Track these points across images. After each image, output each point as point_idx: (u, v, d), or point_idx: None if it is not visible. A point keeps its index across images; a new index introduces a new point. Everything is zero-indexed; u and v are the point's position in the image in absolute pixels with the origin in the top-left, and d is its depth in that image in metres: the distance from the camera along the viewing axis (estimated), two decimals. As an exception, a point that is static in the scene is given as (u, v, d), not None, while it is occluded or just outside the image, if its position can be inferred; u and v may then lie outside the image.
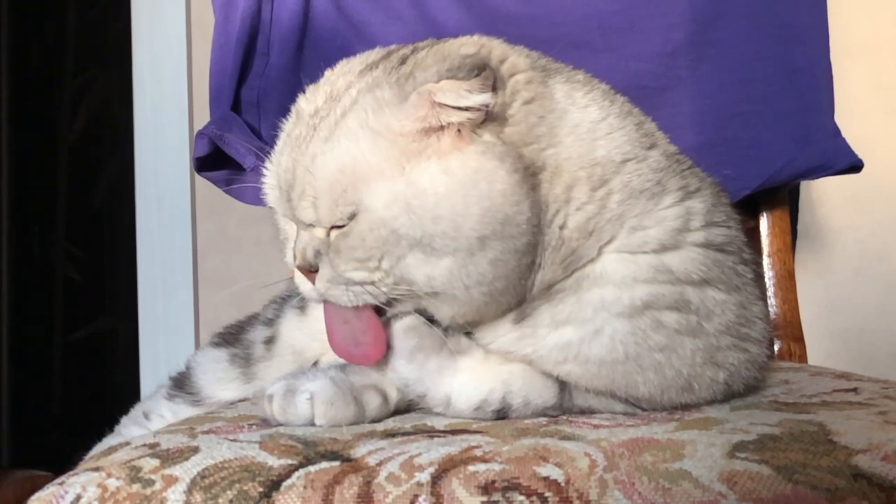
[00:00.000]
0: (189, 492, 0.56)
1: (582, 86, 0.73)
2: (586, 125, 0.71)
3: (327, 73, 0.76)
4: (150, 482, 0.57)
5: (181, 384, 0.99)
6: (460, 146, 0.66)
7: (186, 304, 1.79)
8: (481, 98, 0.65)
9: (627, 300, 0.69)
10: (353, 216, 0.67)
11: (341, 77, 0.73)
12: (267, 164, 0.75)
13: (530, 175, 0.67)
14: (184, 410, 0.97)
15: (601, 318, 0.69)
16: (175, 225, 1.79)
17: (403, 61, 0.71)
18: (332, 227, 0.69)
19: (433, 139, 0.66)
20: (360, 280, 0.68)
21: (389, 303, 0.70)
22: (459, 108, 0.65)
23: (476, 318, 0.72)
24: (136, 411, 1.03)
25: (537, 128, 0.69)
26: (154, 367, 1.79)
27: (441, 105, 0.65)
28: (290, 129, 0.73)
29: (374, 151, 0.66)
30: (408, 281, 0.68)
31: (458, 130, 0.66)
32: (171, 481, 0.57)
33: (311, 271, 0.71)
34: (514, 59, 0.71)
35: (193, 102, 1.80)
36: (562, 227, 0.69)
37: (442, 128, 0.66)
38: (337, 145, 0.68)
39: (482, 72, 0.65)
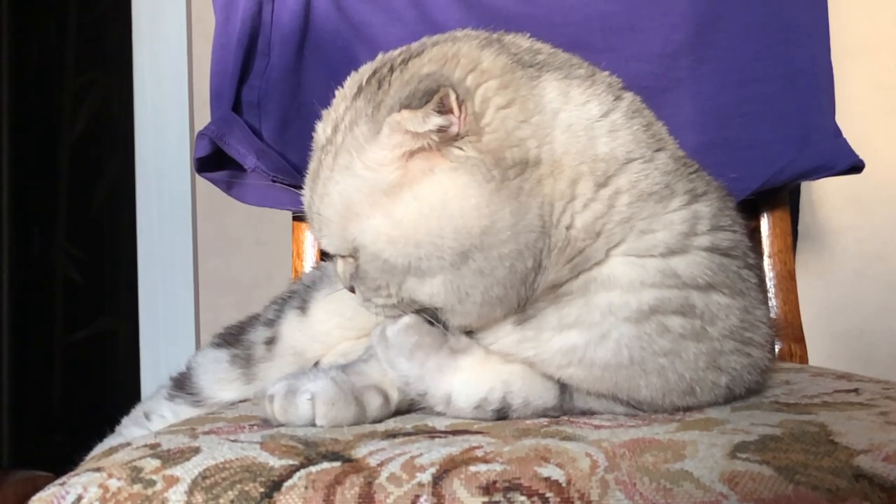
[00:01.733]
0: (190, 492, 0.56)
1: (582, 81, 0.72)
2: (583, 122, 0.70)
3: (338, 93, 0.76)
4: (152, 482, 0.57)
5: (182, 385, 0.99)
6: (434, 167, 0.67)
7: (187, 304, 1.79)
8: (438, 121, 0.65)
9: (635, 305, 0.69)
10: (356, 251, 0.70)
11: (342, 102, 0.74)
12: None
13: (519, 173, 0.67)
14: (185, 411, 0.97)
15: (608, 322, 0.69)
16: (175, 225, 1.79)
17: (380, 84, 0.71)
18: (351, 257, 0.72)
19: (416, 161, 0.67)
20: (383, 304, 0.72)
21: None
22: (426, 132, 0.66)
23: (480, 324, 0.73)
24: (136, 412, 1.03)
25: (519, 130, 0.68)
26: (154, 368, 1.80)
27: (408, 131, 0.66)
28: (311, 159, 0.76)
29: (357, 191, 0.69)
30: (417, 301, 0.71)
31: (439, 149, 0.67)
32: (172, 482, 0.57)
33: (353, 291, 0.75)
34: (485, 64, 0.70)
35: (194, 103, 1.80)
36: (568, 227, 0.69)
37: (422, 149, 0.67)
38: (333, 188, 0.71)
39: (433, 96, 0.65)
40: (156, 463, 0.59)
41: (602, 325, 0.69)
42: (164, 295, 1.79)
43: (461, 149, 0.66)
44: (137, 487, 0.57)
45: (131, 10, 1.82)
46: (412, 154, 0.67)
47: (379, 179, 0.68)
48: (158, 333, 1.80)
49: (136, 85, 1.81)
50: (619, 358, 0.69)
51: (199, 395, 0.97)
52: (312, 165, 0.74)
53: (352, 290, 0.75)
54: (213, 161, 1.21)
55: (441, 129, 0.66)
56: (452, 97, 0.65)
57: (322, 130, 0.75)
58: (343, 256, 0.74)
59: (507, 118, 0.68)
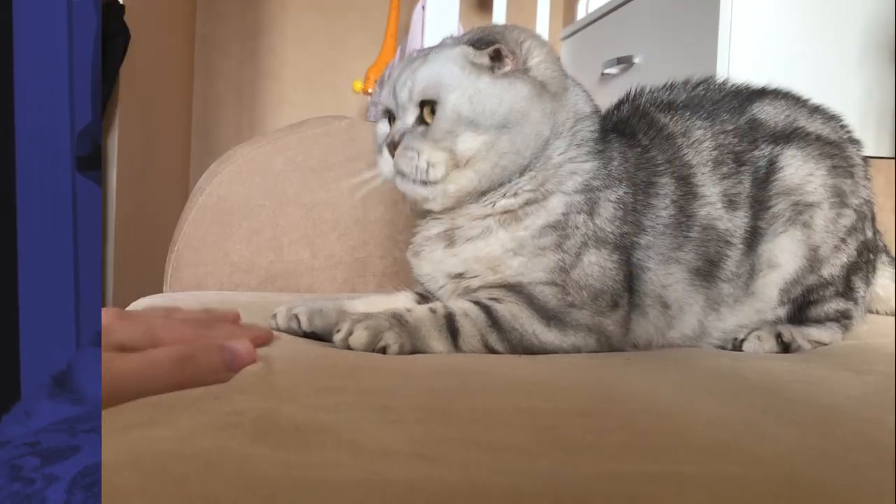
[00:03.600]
0: (69, 490, 0.57)
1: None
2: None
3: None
4: (31, 481, 0.57)
5: (63, 383, 0.98)
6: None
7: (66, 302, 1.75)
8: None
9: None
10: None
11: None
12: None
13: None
14: (68, 409, 0.96)
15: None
16: (56, 222, 1.76)
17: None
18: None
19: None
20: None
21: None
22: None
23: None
24: (17, 410, 1.01)
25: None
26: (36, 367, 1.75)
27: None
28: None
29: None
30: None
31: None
32: (51, 480, 0.57)
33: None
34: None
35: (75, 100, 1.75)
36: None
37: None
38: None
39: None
40: (35, 462, 0.60)
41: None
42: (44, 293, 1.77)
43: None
44: (17, 486, 0.57)
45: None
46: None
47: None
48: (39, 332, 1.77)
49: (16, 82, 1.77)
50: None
51: (82, 393, 0.96)
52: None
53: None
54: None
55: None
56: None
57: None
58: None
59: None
